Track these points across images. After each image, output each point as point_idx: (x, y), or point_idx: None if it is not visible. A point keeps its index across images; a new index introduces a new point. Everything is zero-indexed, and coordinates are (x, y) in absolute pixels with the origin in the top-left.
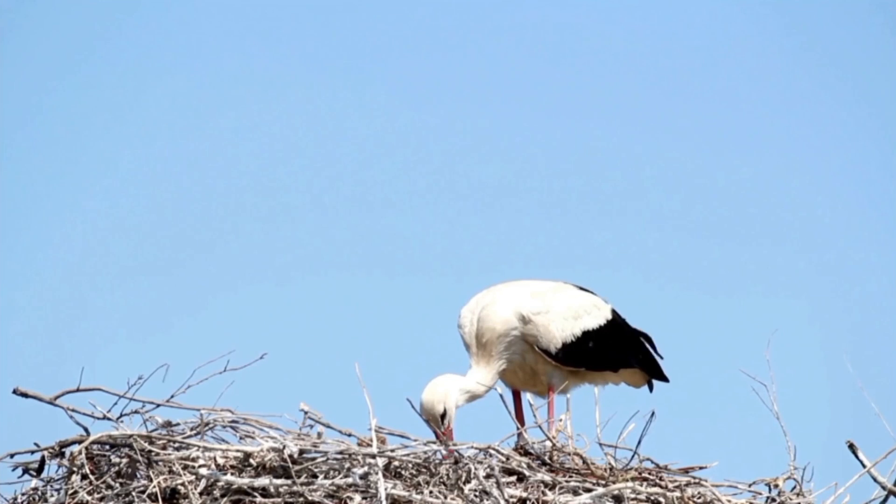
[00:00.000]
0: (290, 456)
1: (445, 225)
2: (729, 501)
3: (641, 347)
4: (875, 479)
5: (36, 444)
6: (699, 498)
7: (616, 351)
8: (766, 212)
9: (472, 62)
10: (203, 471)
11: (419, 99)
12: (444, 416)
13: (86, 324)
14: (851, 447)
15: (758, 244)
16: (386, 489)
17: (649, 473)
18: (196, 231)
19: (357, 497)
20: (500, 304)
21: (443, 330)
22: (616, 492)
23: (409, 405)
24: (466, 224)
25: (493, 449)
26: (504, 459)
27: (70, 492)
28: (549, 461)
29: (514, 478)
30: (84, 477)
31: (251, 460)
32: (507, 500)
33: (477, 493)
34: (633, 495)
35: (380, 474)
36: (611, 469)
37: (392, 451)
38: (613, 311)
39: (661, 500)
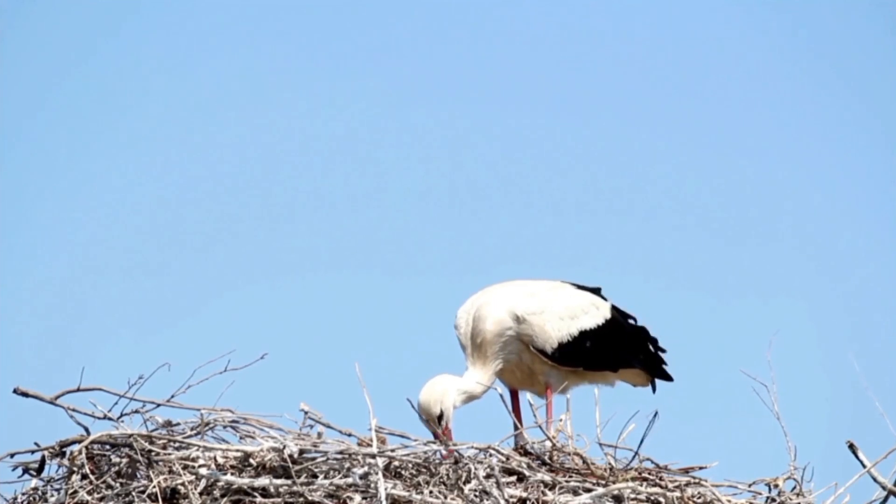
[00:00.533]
0: (290, 456)
1: (445, 225)
2: (729, 501)
3: (644, 347)
4: (875, 479)
5: (36, 444)
6: (699, 498)
7: (615, 351)
8: (766, 212)
9: (473, 62)
10: (203, 471)
11: (419, 99)
12: (441, 416)
13: (86, 324)
14: (851, 447)
15: (758, 244)
16: (386, 489)
17: (649, 473)
18: (196, 231)
19: (357, 497)
20: (494, 305)
21: (443, 330)
22: (616, 492)
23: (409, 405)
24: (466, 224)
25: (493, 449)
26: (504, 459)
27: (70, 492)
28: (548, 461)
29: (514, 478)
30: (84, 477)
31: (251, 460)
32: (507, 500)
33: (477, 493)
34: (633, 495)
35: (380, 474)
36: (611, 469)
37: (392, 451)
38: (614, 311)
39: (661, 500)
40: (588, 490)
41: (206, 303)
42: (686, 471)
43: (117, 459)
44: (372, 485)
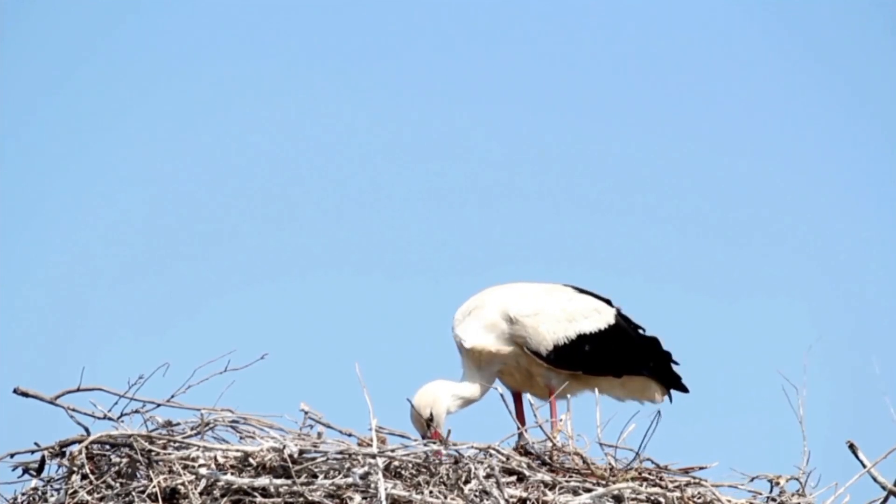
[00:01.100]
0: (290, 456)
1: (445, 225)
2: (729, 501)
3: (654, 355)
4: (875, 479)
5: (36, 444)
6: (699, 498)
7: (618, 356)
8: (766, 212)
9: (472, 62)
10: (203, 471)
11: (419, 99)
12: (430, 421)
13: (86, 324)
14: (851, 447)
15: (758, 245)
16: (386, 489)
17: (649, 473)
18: (196, 231)
19: (357, 497)
20: (488, 307)
21: (443, 330)
22: (616, 492)
23: (409, 405)
24: (466, 224)
25: (494, 449)
26: (504, 459)
27: (70, 491)
28: (549, 461)
29: (514, 478)
30: (84, 477)
31: (251, 460)
32: (507, 500)
33: (477, 493)
34: (633, 495)
35: (380, 474)
36: (611, 469)
37: (392, 451)
38: (618, 316)
39: (661, 500)
40: (588, 490)
41: (205, 303)
42: (686, 471)
43: (117, 459)
44: (372, 485)
